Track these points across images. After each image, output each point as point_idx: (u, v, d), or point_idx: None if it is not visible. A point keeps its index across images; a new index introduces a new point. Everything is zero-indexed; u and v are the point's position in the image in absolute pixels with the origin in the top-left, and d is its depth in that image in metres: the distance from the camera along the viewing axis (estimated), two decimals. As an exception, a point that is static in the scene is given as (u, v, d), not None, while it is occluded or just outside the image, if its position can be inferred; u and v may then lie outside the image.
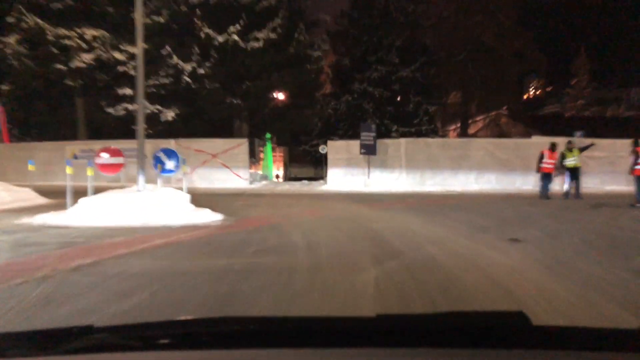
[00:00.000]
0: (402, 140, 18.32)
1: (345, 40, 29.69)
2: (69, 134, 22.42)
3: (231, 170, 18.70)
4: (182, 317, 1.35)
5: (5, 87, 21.33)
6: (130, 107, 20.83)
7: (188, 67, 20.07)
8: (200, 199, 10.45)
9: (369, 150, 17.35)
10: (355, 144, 18.10)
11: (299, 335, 1.12)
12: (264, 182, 19.98)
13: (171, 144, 19.17)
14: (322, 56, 22.46)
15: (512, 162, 17.66)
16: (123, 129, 21.80)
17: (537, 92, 47.53)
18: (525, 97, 46.14)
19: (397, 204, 12.07)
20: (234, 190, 17.31)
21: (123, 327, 1.23)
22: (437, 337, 1.09)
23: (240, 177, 18.64)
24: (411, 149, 17.91)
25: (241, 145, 18.63)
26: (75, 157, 19.33)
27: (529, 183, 17.53)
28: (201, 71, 19.87)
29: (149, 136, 21.39)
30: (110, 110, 20.87)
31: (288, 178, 34.68)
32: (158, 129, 21.03)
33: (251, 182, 19.21)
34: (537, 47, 30.58)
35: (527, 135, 28.80)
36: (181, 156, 11.02)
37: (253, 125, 23.45)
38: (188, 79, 19.94)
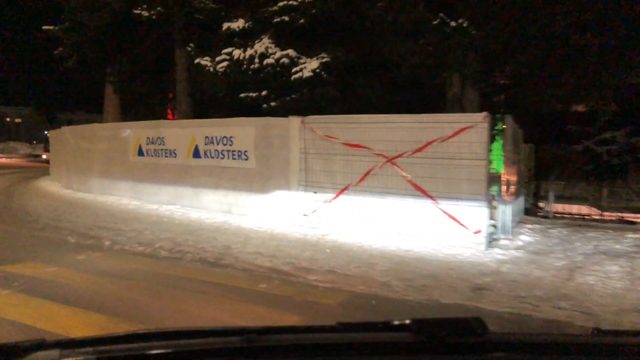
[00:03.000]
0: None
1: None
2: (159, 110, 13.28)
3: (435, 202, 6.50)
4: (138, 331, 1.21)
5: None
6: (237, 53, 10.31)
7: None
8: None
9: None
10: None
11: (257, 346, 1.07)
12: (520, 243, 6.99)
13: (291, 124, 7.89)
14: None
15: None
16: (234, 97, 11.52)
17: None
18: None
19: None
20: (445, 274, 5.09)
21: (76, 341, 1.13)
22: (398, 345, 1.09)
23: (462, 224, 6.30)
24: None
25: (471, 130, 6.24)
26: (140, 152, 10.35)
27: None
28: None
29: (264, 112, 10.65)
30: (204, 61, 10.69)
31: (547, 212, 19.47)
32: (284, 101, 10.02)
33: (492, 240, 6.66)
34: None
35: None
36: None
37: (486, 94, 10.78)
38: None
